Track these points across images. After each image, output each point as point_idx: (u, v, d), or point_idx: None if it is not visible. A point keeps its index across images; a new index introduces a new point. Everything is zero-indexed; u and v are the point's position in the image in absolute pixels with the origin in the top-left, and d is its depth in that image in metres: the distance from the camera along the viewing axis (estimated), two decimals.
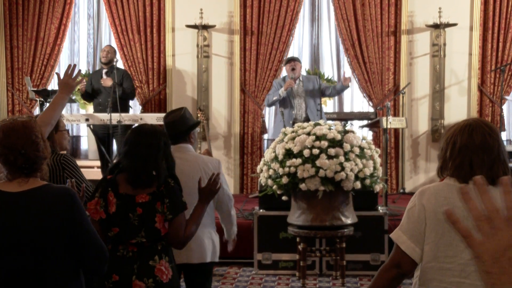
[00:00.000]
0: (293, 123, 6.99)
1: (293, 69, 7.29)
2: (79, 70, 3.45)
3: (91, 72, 8.73)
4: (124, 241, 2.87)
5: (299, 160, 4.62)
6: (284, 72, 8.57)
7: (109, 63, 7.74)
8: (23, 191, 2.39)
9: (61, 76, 3.40)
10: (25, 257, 2.36)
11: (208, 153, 7.94)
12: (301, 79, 7.39)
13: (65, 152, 3.86)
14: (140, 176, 2.90)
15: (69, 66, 3.42)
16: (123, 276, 2.85)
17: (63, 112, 8.74)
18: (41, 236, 2.36)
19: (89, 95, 7.86)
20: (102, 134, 7.55)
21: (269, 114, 8.91)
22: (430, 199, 2.34)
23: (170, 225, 2.90)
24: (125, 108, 7.82)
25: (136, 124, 7.34)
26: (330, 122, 5.03)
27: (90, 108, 8.54)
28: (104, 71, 7.81)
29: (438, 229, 2.31)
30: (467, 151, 2.31)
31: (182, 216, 2.94)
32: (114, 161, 3.10)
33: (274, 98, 7.34)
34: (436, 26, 8.26)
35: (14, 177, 2.42)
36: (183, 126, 3.73)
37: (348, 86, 7.38)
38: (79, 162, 4.17)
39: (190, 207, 3.03)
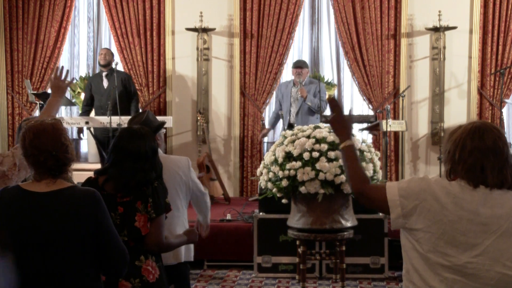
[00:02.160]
0: (289, 126, 7.24)
1: (298, 74, 7.65)
2: (67, 71, 3.48)
3: (90, 76, 8.74)
4: None
5: (299, 163, 4.62)
6: (287, 73, 8.63)
7: (108, 65, 7.78)
8: (50, 192, 2.43)
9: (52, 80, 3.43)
10: (48, 257, 2.39)
11: (208, 156, 7.95)
12: (303, 84, 7.58)
13: None
14: (129, 186, 2.91)
15: (57, 68, 3.45)
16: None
17: (63, 115, 8.79)
18: (65, 237, 2.39)
19: (90, 102, 7.87)
20: (103, 138, 7.57)
21: (269, 117, 8.90)
22: (442, 191, 2.33)
23: (151, 225, 2.90)
24: (127, 111, 7.85)
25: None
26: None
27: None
28: (104, 73, 7.81)
29: (441, 225, 2.30)
30: (478, 154, 2.30)
31: (162, 217, 2.94)
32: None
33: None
34: (435, 29, 8.26)
35: (42, 178, 2.46)
36: None
37: (302, 96, 7.59)
38: (79, 165, 4.17)
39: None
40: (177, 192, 3.75)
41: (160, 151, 3.85)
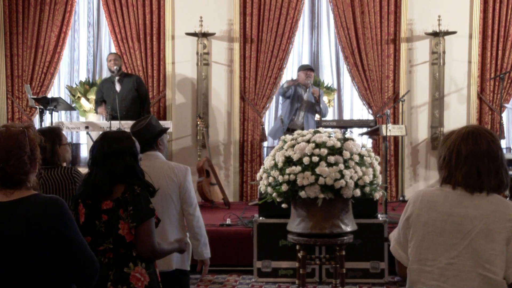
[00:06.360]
0: (289, 129, 7.24)
1: (309, 77, 7.72)
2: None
3: (101, 81, 8.79)
4: (93, 248, 2.74)
5: (298, 168, 4.61)
6: (287, 78, 8.62)
7: (119, 70, 7.82)
8: (9, 201, 2.31)
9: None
10: (12, 268, 2.29)
11: (208, 161, 7.95)
12: (309, 88, 7.62)
13: (64, 164, 3.91)
14: (102, 189, 2.90)
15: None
16: (99, 282, 2.79)
17: (63, 120, 8.77)
18: (28, 247, 2.28)
19: (101, 104, 7.92)
20: None
21: (269, 122, 8.92)
22: (416, 203, 2.43)
23: (136, 233, 2.87)
24: (139, 115, 7.89)
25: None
26: (329, 129, 5.02)
27: (89, 115, 8.54)
28: (116, 78, 7.82)
29: (419, 232, 2.37)
30: (473, 159, 2.32)
31: (148, 223, 2.88)
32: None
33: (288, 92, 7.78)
34: (435, 34, 8.28)
35: None
36: (149, 134, 3.77)
37: (316, 97, 7.58)
38: (79, 169, 4.16)
39: (158, 214, 3.02)
40: (171, 197, 3.70)
41: (162, 156, 3.85)
